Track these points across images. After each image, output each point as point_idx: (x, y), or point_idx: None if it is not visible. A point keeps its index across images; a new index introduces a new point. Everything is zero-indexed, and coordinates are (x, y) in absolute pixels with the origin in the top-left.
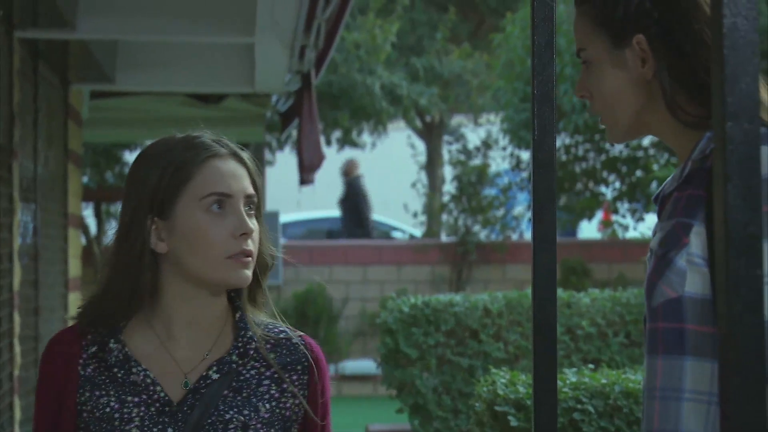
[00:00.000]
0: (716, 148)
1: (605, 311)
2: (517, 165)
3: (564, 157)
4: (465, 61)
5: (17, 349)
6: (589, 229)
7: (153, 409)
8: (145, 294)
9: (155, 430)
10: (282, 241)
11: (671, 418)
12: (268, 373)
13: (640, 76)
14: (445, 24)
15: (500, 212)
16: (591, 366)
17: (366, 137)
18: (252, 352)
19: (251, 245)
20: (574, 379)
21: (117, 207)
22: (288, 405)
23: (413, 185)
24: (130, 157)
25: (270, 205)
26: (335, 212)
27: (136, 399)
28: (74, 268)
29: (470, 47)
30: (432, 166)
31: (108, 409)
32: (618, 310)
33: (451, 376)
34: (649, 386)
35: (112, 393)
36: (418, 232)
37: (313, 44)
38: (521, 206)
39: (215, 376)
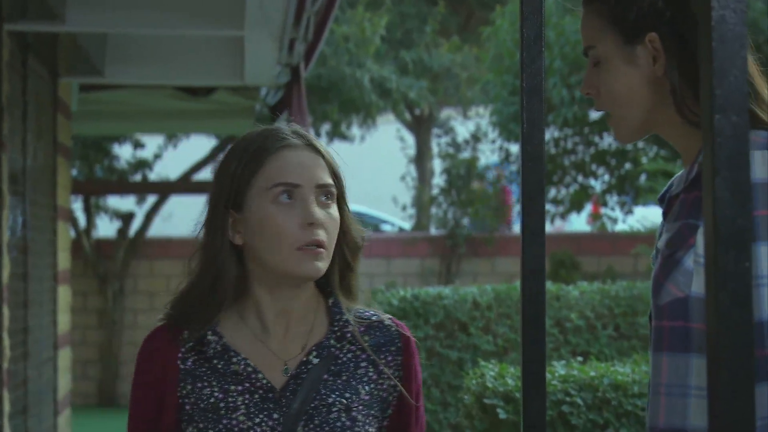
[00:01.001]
0: (704, 141)
1: (594, 304)
2: (506, 158)
3: (553, 150)
4: (454, 54)
5: (6, 342)
6: (578, 222)
7: (257, 396)
8: (230, 287)
9: (261, 416)
10: None
11: (677, 413)
12: (364, 356)
13: (652, 73)
14: (434, 17)
15: (490, 205)
16: (580, 359)
17: (355, 130)
18: (349, 335)
19: (322, 235)
20: (563, 372)
21: (105, 200)
22: (385, 386)
23: (402, 178)
24: (119, 150)
25: None
26: None
27: (240, 387)
28: (63, 261)
29: (459, 40)
30: (421, 159)
31: (213, 399)
32: (607, 303)
33: (440, 368)
34: (655, 382)
35: (214, 384)
36: (407, 225)
37: (302, 37)
38: (511, 199)
39: (315, 361)
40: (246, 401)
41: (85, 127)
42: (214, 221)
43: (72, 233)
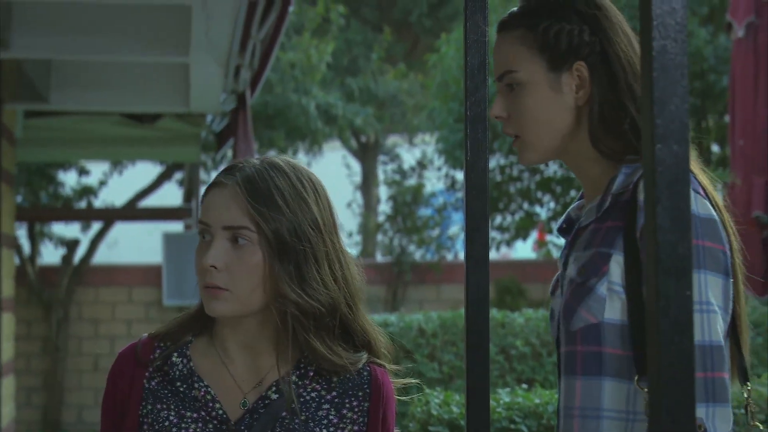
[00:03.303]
0: (645, 169)
1: (539, 331)
2: (452, 185)
3: (499, 178)
4: (400, 82)
5: None
6: (523, 249)
7: (210, 426)
8: (201, 313)
9: None
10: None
11: None
12: (329, 397)
13: (573, 102)
14: (380, 44)
15: (435, 232)
16: (525, 386)
17: (301, 157)
18: (312, 374)
19: (215, 278)
20: (507, 399)
21: (50, 227)
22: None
23: (349, 205)
24: (64, 176)
25: None
26: None
27: (195, 415)
28: (7, 288)
29: (405, 67)
30: (367, 185)
31: (167, 423)
32: None
33: None
34: (567, 405)
35: (172, 407)
36: (353, 252)
37: (248, 64)
38: (456, 226)
39: (274, 397)
40: (198, 429)
41: (29, 153)
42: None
43: (16, 260)
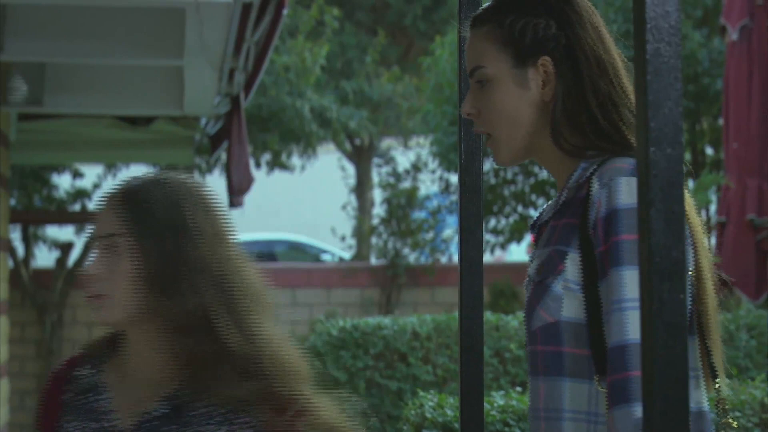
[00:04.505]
0: (639, 173)
1: None
2: (446, 188)
3: (493, 181)
4: (395, 85)
5: None
6: (518, 252)
7: None
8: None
9: None
10: None
11: None
12: (221, 411)
13: (540, 97)
14: (374, 47)
15: (429, 235)
16: (519, 389)
17: (296, 160)
18: (202, 389)
19: (93, 288)
20: (502, 402)
21: (44, 230)
22: None
23: (343, 208)
24: (58, 179)
25: None
26: (265, 235)
27: (94, 425)
28: (1, 291)
29: (400, 70)
30: (362, 188)
31: None
32: None
33: (380, 399)
34: (533, 407)
35: (79, 418)
36: (347, 255)
37: (242, 67)
38: (450, 229)
39: (163, 411)
40: None
41: (23, 156)
42: None
43: (10, 263)
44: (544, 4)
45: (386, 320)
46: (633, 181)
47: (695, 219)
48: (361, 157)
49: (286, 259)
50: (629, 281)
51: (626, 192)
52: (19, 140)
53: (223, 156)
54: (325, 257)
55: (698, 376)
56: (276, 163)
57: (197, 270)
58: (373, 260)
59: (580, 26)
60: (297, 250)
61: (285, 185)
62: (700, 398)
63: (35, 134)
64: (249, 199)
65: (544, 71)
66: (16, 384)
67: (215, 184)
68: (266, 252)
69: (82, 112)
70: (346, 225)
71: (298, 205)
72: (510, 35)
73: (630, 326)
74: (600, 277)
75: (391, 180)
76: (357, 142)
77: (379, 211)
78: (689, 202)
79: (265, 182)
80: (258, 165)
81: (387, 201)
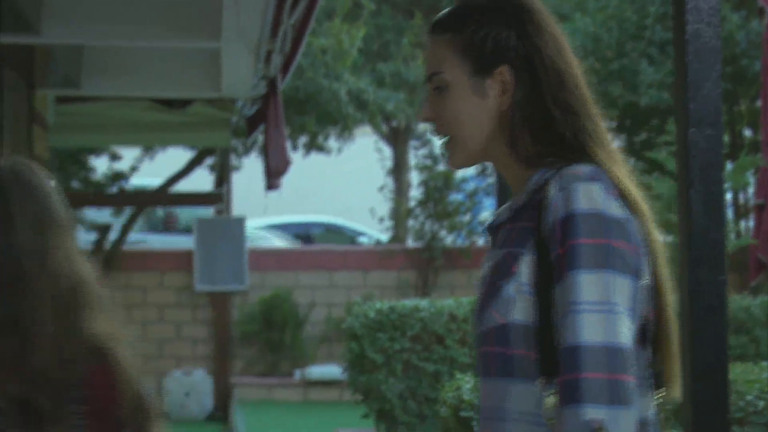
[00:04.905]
0: (678, 154)
1: None
2: (483, 170)
3: None
4: None
5: None
6: None
7: None
8: None
9: None
10: (247, 245)
11: None
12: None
13: (497, 106)
14: (411, 29)
15: (466, 217)
16: None
17: (333, 142)
18: None
19: None
20: None
21: (82, 212)
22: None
23: (381, 189)
24: (96, 162)
25: (237, 210)
26: (302, 217)
27: None
28: None
29: None
30: (399, 171)
31: None
32: None
33: (417, 381)
34: (481, 406)
35: None
36: (384, 237)
37: (279, 49)
38: (487, 211)
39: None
40: None
41: (61, 139)
42: None
43: None
44: (505, 14)
45: (423, 302)
46: (591, 187)
47: (653, 227)
48: (397, 139)
49: (323, 241)
50: (585, 284)
51: (584, 197)
52: (57, 123)
53: (260, 138)
54: (362, 240)
55: (644, 386)
56: (313, 146)
57: (14, 259)
58: (410, 243)
59: (540, 37)
60: (334, 232)
61: (322, 168)
62: (645, 407)
63: (73, 117)
64: (286, 181)
65: (501, 81)
66: None
67: (252, 167)
68: (303, 234)
69: (120, 95)
70: (383, 207)
71: (335, 187)
72: (470, 44)
73: (585, 329)
74: (555, 280)
75: (428, 162)
76: (394, 124)
77: (415, 193)
78: (641, 205)
79: (302, 165)
80: (295, 147)
81: (424, 183)
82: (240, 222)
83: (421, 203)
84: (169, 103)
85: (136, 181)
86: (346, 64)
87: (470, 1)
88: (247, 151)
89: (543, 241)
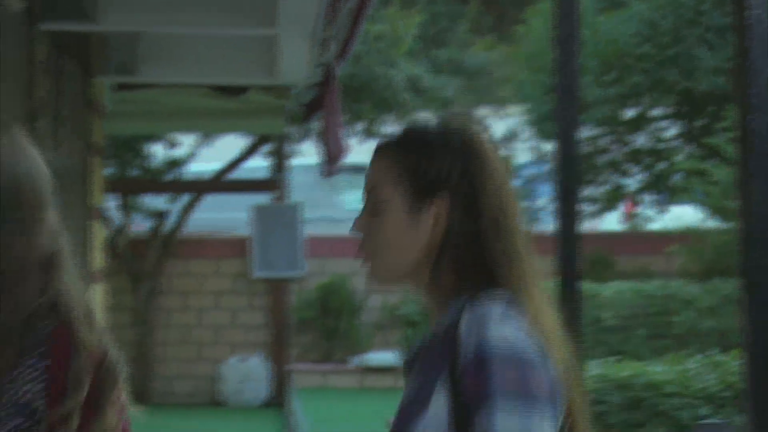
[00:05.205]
0: (737, 140)
1: (628, 303)
2: (540, 157)
3: (587, 149)
4: (488, 53)
5: None
6: (612, 221)
7: None
8: None
9: None
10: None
11: None
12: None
13: (428, 235)
14: (466, 16)
15: (523, 204)
16: (615, 358)
17: (389, 129)
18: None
19: None
20: (598, 371)
21: (140, 199)
22: (25, 391)
23: None
24: (152, 149)
25: (295, 197)
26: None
27: None
28: (97, 260)
29: (494, 39)
30: None
31: None
32: (641, 302)
33: None
34: None
35: None
36: None
37: (335, 36)
38: (544, 198)
39: None
40: None
41: (118, 126)
42: None
43: (106, 232)
44: (449, 149)
45: None
46: (503, 326)
47: (567, 361)
48: None
49: None
50: (499, 424)
51: (496, 336)
52: (115, 110)
53: (317, 125)
54: None
55: None
56: (370, 133)
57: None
58: None
59: (481, 175)
60: None
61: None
62: None
63: (130, 104)
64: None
65: (436, 213)
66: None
67: (309, 153)
68: None
69: (176, 82)
70: None
71: None
72: (411, 171)
73: None
74: (470, 420)
75: None
76: (451, 110)
77: None
78: (561, 344)
79: (358, 151)
80: (351, 134)
81: None
82: (297, 208)
83: None
84: (225, 91)
85: (195, 167)
86: (401, 51)
87: (418, 130)
88: (303, 137)
89: (457, 380)
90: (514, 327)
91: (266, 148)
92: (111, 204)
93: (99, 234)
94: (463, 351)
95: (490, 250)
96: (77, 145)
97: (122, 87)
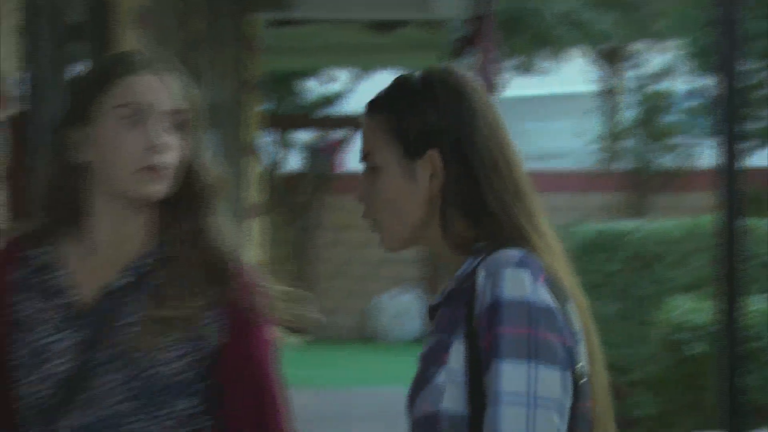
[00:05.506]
0: None
1: None
2: (699, 91)
3: (746, 83)
4: None
5: None
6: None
7: (67, 312)
8: (68, 205)
9: (67, 331)
10: None
11: None
12: (185, 282)
13: (427, 191)
14: None
15: (681, 139)
16: None
17: (543, 64)
18: (169, 257)
19: (163, 159)
20: (757, 307)
21: (295, 134)
22: (203, 325)
23: (592, 111)
24: (306, 85)
25: None
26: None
27: (52, 302)
28: (255, 194)
29: None
30: (611, 92)
31: (27, 312)
32: None
33: (632, 303)
34: None
35: (32, 296)
36: (596, 160)
37: None
38: (703, 132)
39: (126, 281)
40: (55, 316)
41: (272, 62)
42: (57, 138)
43: (261, 168)
44: (437, 97)
45: (637, 224)
46: (519, 273)
47: (581, 304)
48: (611, 60)
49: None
50: (507, 375)
51: (511, 284)
52: (271, 46)
53: (472, 60)
54: (569, 162)
55: None
56: (523, 67)
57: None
58: (624, 164)
59: (473, 121)
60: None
61: (532, 89)
62: None
63: (285, 40)
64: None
65: (432, 165)
66: None
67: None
68: None
69: (331, 18)
70: (595, 129)
71: (544, 109)
72: (400, 127)
73: (503, 421)
74: (483, 370)
75: (642, 83)
76: (607, 44)
77: (629, 114)
78: (569, 285)
79: (513, 86)
80: (505, 69)
81: (638, 104)
82: None
83: (635, 124)
84: (380, 26)
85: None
86: None
87: (403, 83)
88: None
89: (474, 329)
90: (528, 274)
91: None
92: (267, 140)
93: (253, 168)
94: (479, 298)
95: (493, 193)
96: (232, 81)
97: (278, 23)
